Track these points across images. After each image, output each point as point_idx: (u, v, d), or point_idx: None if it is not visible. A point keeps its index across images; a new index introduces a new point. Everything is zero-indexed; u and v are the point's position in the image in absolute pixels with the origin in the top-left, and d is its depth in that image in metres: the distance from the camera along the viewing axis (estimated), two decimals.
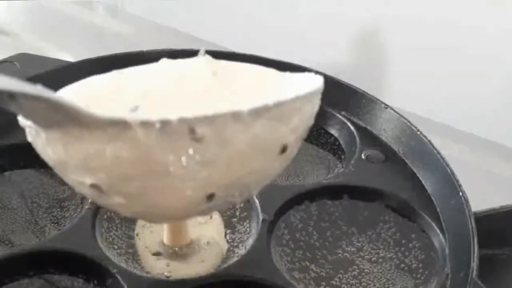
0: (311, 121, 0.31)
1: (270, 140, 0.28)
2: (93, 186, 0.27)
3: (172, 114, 0.25)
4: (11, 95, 0.23)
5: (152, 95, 0.33)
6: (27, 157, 0.44)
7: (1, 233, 0.40)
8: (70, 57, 0.72)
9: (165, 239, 0.37)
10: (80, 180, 0.28)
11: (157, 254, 0.37)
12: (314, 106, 0.30)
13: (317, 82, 0.31)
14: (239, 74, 0.35)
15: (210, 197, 0.28)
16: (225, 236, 0.40)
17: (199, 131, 0.25)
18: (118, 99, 0.33)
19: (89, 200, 0.40)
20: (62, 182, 0.43)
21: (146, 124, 0.25)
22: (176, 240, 0.37)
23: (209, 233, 0.39)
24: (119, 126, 0.25)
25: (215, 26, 0.82)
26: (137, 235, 0.39)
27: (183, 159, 0.25)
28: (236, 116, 0.26)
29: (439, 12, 0.62)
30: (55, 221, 0.42)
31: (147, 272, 0.37)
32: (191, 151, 0.25)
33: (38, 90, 0.23)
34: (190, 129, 0.25)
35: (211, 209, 0.31)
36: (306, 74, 0.33)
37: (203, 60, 0.36)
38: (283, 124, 0.28)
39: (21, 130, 0.44)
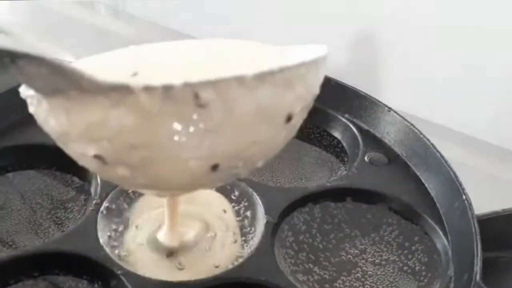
0: (316, 90, 0.30)
1: (275, 107, 0.27)
2: (96, 157, 0.26)
3: (174, 80, 0.24)
4: (13, 57, 0.23)
5: (152, 64, 0.33)
6: (30, 158, 0.44)
7: (5, 234, 0.40)
8: (71, 58, 0.72)
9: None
10: (83, 150, 0.27)
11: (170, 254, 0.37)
12: (319, 74, 0.30)
13: (321, 51, 0.30)
14: (241, 49, 0.35)
15: (215, 167, 0.27)
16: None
17: (203, 96, 0.24)
18: (121, 68, 0.32)
19: (93, 202, 0.40)
20: (66, 183, 0.44)
21: (149, 89, 0.24)
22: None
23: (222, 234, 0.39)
24: (121, 91, 0.24)
25: (217, 28, 0.82)
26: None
27: (187, 125, 0.25)
28: (240, 80, 0.25)
29: (438, 15, 0.62)
30: (59, 222, 0.42)
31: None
32: (195, 117, 0.25)
33: (41, 52, 0.23)
34: (194, 94, 0.24)
35: (215, 181, 0.30)
36: (309, 45, 0.33)
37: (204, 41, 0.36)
38: (288, 90, 0.27)
39: (24, 132, 0.45)
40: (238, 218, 0.41)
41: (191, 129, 0.25)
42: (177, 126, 0.25)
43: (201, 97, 0.24)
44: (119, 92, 0.24)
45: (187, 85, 0.24)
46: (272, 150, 0.30)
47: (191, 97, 0.24)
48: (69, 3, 0.94)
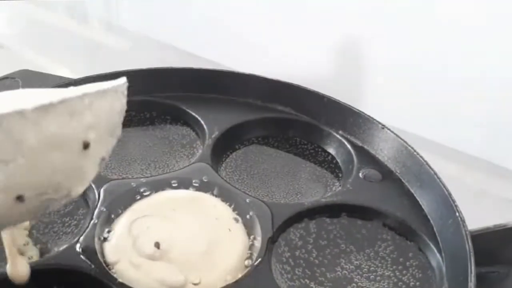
0: (114, 119, 0.31)
1: (64, 136, 0.28)
2: None
3: None
4: None
5: None
6: None
7: (2, 249, 0.40)
8: (67, 71, 0.72)
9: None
10: None
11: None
12: (113, 103, 0.31)
13: (116, 82, 0.31)
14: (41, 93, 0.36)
15: (20, 198, 0.28)
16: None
17: None
18: None
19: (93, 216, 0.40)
20: None
21: None
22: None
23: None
24: None
25: (210, 43, 0.83)
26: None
27: None
28: (21, 113, 0.26)
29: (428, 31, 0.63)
30: (57, 237, 0.42)
31: None
32: None
33: None
34: None
35: (28, 212, 0.30)
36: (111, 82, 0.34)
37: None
38: (74, 120, 0.28)
39: None
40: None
41: None
42: None
43: None
44: None
45: None
46: (82, 175, 0.31)
47: None
48: (64, 17, 0.94)
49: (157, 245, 0.38)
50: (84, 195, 0.43)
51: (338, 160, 0.50)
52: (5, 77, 0.50)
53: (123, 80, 0.32)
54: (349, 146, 0.50)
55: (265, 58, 0.77)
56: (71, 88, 0.34)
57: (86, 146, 0.29)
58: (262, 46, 0.77)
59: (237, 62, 0.70)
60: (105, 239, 0.40)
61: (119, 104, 0.32)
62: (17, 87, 0.49)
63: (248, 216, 0.42)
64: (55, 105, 0.27)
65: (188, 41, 0.86)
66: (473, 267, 0.36)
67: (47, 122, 0.27)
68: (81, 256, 0.38)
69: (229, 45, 0.81)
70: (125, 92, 0.32)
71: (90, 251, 0.38)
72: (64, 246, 0.39)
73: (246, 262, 0.39)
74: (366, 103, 0.63)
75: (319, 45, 0.72)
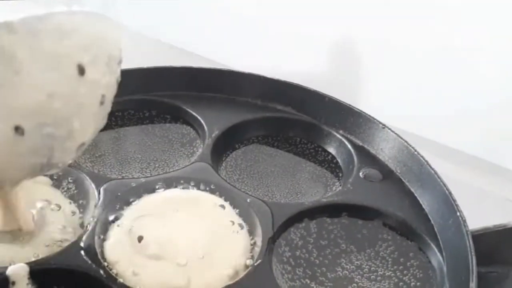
0: (109, 47, 0.31)
1: (57, 55, 0.28)
2: None
3: None
4: None
5: None
6: None
7: None
8: None
9: None
10: None
11: None
12: (102, 28, 0.31)
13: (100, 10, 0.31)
14: None
15: (18, 129, 0.27)
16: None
17: None
18: None
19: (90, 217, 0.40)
20: None
21: None
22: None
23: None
24: None
25: (208, 41, 0.83)
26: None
27: None
28: (9, 25, 0.25)
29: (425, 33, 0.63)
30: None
31: None
32: None
33: None
34: None
35: (31, 151, 0.30)
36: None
37: None
38: (65, 38, 0.28)
39: None
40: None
41: None
42: None
43: None
44: None
45: None
46: (81, 107, 0.31)
47: None
48: None
49: (139, 239, 0.38)
50: (84, 194, 0.43)
51: (339, 160, 0.50)
52: None
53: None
54: (349, 146, 0.50)
55: (264, 57, 0.76)
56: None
57: (81, 71, 0.29)
58: (262, 44, 0.77)
59: (236, 60, 0.70)
60: (105, 239, 0.40)
61: (112, 34, 0.31)
62: None
63: (248, 216, 0.42)
64: (41, 18, 0.26)
65: (186, 39, 0.85)
66: (474, 268, 0.36)
67: (38, 38, 0.26)
68: (81, 256, 0.37)
69: (228, 43, 0.81)
70: (119, 26, 0.32)
71: (90, 251, 0.38)
72: (64, 246, 0.38)
73: (247, 262, 0.39)
74: (366, 102, 0.63)
75: (318, 44, 0.72)
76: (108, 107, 0.33)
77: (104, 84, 0.31)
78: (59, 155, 0.31)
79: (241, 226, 0.41)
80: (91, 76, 0.30)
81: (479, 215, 0.44)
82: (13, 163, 0.30)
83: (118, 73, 0.33)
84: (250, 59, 0.74)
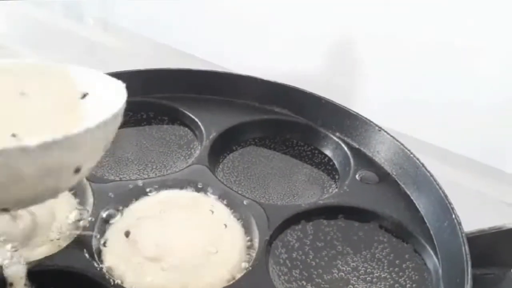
0: (109, 142, 0.33)
1: (60, 165, 0.29)
2: None
3: None
4: None
5: None
6: None
7: None
8: None
9: None
10: None
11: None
12: (112, 129, 0.32)
13: (115, 108, 0.32)
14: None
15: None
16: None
17: None
18: None
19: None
20: None
21: None
22: None
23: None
24: None
25: (205, 43, 0.83)
26: None
27: None
28: (24, 150, 0.27)
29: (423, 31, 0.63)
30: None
31: None
32: None
33: None
34: None
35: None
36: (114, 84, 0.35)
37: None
38: (74, 151, 0.29)
39: None
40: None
41: None
42: None
43: None
44: None
45: None
46: (63, 190, 0.33)
47: None
48: (59, 15, 0.94)
49: (127, 234, 0.39)
50: (82, 197, 0.43)
51: (335, 162, 0.51)
52: None
53: (123, 98, 0.33)
54: (346, 148, 0.50)
55: (261, 58, 0.77)
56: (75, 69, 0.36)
57: (77, 170, 0.30)
58: (259, 45, 0.77)
59: (233, 62, 0.70)
60: (102, 240, 0.40)
61: (115, 128, 0.32)
62: None
63: (245, 218, 0.42)
64: (59, 142, 0.28)
65: (184, 40, 0.85)
66: (470, 270, 0.36)
67: (48, 156, 0.28)
68: (79, 257, 0.37)
69: (224, 45, 0.81)
70: (121, 115, 0.33)
71: (87, 252, 0.38)
72: (62, 247, 0.39)
73: (244, 264, 0.39)
74: (363, 104, 0.63)
75: (316, 45, 0.72)
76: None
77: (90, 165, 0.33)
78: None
79: (238, 228, 0.42)
80: (84, 170, 0.31)
81: (474, 217, 0.44)
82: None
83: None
84: (248, 61, 0.74)
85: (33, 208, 0.39)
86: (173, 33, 0.87)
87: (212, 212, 0.43)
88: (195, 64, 0.57)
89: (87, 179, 0.43)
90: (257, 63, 0.74)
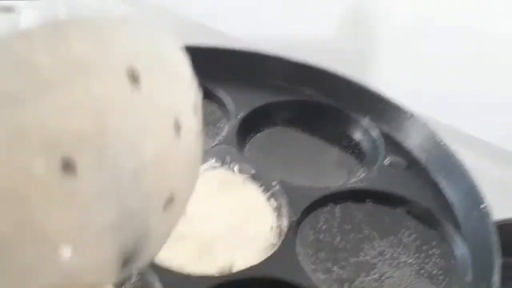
0: (166, 60, 0.27)
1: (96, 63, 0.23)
2: None
3: None
4: None
5: None
6: None
7: None
8: None
9: None
10: None
11: None
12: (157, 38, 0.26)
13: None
14: None
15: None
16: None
17: None
18: None
19: None
20: None
21: None
22: None
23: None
24: None
25: (217, 13, 0.82)
26: None
27: None
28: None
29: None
30: None
31: None
32: None
33: None
34: None
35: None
36: None
37: None
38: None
39: None
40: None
41: None
42: None
43: None
44: None
45: None
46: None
47: None
48: None
49: None
50: None
51: (363, 146, 0.50)
52: None
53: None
54: (375, 133, 0.50)
55: (276, 27, 0.76)
56: None
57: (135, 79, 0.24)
58: (274, 15, 0.76)
59: (246, 31, 0.69)
60: None
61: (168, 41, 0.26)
62: None
63: (274, 198, 0.43)
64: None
65: (198, 11, 0.84)
66: (498, 259, 0.36)
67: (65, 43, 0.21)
68: None
69: (238, 14, 0.80)
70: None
71: None
72: None
73: (271, 244, 0.39)
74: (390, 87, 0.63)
75: (329, 17, 0.71)
76: None
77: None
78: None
79: (267, 208, 0.42)
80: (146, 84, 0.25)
81: (503, 205, 0.44)
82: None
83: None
84: (261, 29, 0.73)
85: None
86: (188, 5, 0.86)
87: (241, 191, 0.43)
88: (211, 36, 0.56)
89: None
90: (271, 31, 0.73)
